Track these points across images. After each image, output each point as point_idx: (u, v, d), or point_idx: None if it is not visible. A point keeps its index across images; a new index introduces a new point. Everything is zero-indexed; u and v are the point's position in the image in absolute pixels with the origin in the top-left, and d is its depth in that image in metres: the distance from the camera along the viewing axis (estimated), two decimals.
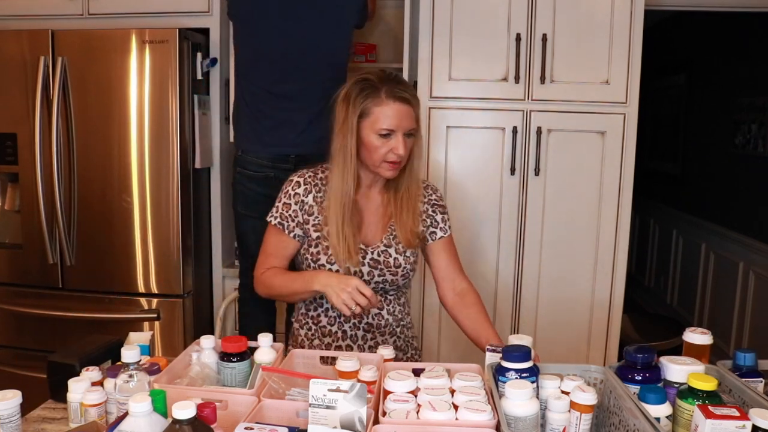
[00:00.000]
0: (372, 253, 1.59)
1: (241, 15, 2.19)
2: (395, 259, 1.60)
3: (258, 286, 1.65)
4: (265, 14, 2.12)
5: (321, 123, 2.14)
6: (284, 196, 1.62)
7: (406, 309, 1.73)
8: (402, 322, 1.69)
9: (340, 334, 1.62)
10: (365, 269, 1.58)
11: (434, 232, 1.66)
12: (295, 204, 1.60)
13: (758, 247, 3.28)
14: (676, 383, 1.11)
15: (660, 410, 1.04)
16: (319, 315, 1.64)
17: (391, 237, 1.61)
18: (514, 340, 1.30)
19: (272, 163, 2.15)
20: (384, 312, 1.63)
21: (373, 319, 1.62)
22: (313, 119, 2.14)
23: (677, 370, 1.12)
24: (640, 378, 1.12)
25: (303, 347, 1.64)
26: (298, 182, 1.62)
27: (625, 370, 1.15)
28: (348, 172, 1.53)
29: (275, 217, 1.61)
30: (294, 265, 1.69)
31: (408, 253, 1.61)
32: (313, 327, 1.65)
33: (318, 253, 1.58)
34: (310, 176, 1.62)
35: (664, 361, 1.15)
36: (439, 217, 1.67)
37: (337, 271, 1.54)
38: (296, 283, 1.56)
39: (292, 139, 2.14)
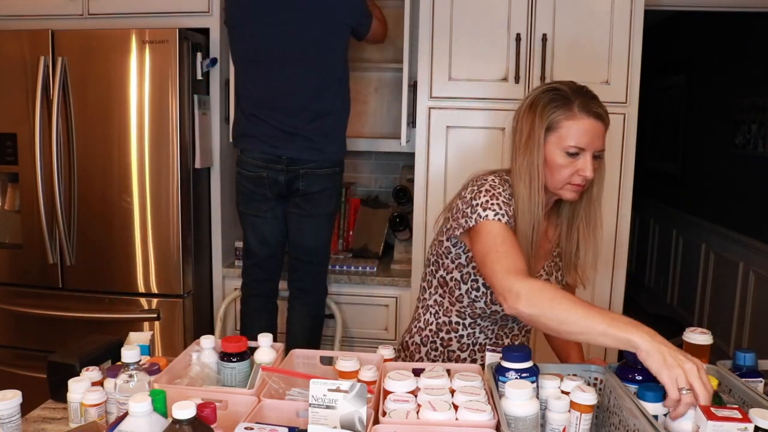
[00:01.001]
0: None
1: (235, 20, 2.19)
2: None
3: (530, 295, 1.18)
4: (257, 18, 2.13)
5: (315, 127, 2.15)
6: (497, 193, 1.36)
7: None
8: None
9: (469, 361, 1.50)
10: None
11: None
12: (510, 201, 1.37)
13: (758, 247, 3.28)
14: None
15: (658, 408, 1.04)
16: (450, 339, 1.52)
17: (553, 265, 1.49)
18: None
19: (265, 164, 2.17)
20: (526, 339, 1.53)
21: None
22: (307, 123, 2.15)
23: None
24: (640, 378, 1.12)
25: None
26: (496, 181, 1.39)
27: (625, 370, 1.15)
28: (536, 193, 1.35)
29: (500, 215, 1.33)
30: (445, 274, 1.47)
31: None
32: (440, 348, 1.53)
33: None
34: (499, 181, 1.39)
35: None
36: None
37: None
38: (598, 319, 1.11)
39: (284, 142, 2.15)
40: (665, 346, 1.05)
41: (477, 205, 1.35)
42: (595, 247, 1.46)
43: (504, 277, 1.24)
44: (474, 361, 1.50)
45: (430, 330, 1.54)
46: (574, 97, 1.33)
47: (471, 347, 1.51)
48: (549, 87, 1.38)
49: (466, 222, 1.36)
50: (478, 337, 1.52)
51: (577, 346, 1.53)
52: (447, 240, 1.45)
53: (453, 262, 1.46)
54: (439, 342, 1.53)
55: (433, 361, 1.53)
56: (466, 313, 1.49)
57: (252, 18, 2.13)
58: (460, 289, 1.46)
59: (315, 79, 2.15)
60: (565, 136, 1.33)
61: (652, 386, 1.07)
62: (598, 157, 1.36)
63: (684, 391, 1.00)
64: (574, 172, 1.34)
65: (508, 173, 1.43)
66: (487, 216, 1.33)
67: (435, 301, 1.54)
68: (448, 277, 1.48)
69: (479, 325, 1.50)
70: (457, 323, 1.50)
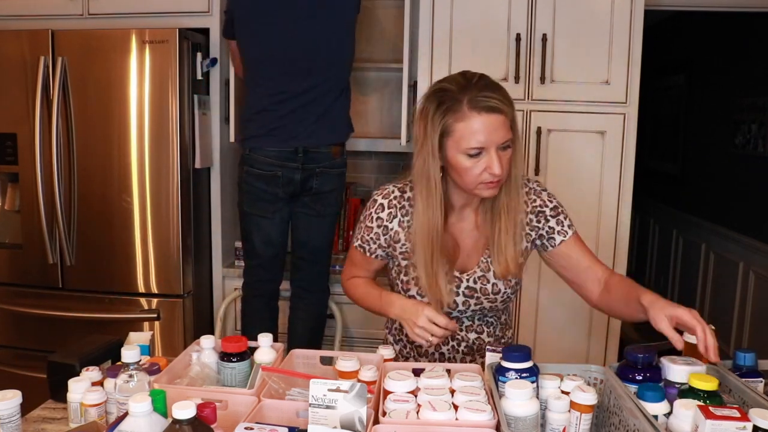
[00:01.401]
0: (467, 280, 1.45)
1: (242, 21, 2.20)
2: (493, 285, 1.45)
3: (345, 290, 1.62)
4: (265, 17, 2.13)
5: (328, 119, 2.17)
6: (366, 219, 1.49)
7: (508, 323, 1.62)
8: (503, 339, 1.58)
9: (437, 355, 1.53)
10: (459, 299, 1.45)
11: (552, 239, 1.46)
12: (378, 227, 1.47)
13: (758, 247, 3.28)
14: (677, 383, 1.11)
15: (658, 408, 1.04)
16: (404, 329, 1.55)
17: (489, 260, 1.45)
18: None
19: (280, 162, 2.16)
20: (484, 335, 1.53)
21: (473, 343, 1.52)
22: (321, 116, 2.16)
23: (678, 370, 1.11)
24: (640, 378, 1.12)
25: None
26: (381, 204, 1.47)
27: (625, 369, 1.15)
28: (433, 201, 1.35)
29: (356, 239, 1.52)
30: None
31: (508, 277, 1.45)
32: (408, 345, 1.56)
33: (408, 282, 1.46)
34: (395, 197, 1.46)
35: (665, 361, 1.15)
36: (552, 222, 1.46)
37: (429, 303, 1.39)
38: (374, 304, 1.50)
39: (300, 135, 2.16)
40: (409, 305, 1.38)
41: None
42: (516, 241, 1.42)
43: (343, 275, 1.63)
44: (442, 354, 1.53)
45: (396, 328, 1.60)
46: (463, 95, 1.28)
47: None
48: (437, 88, 1.33)
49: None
50: None
51: (633, 290, 1.33)
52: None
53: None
54: (405, 339, 1.56)
55: (405, 358, 1.56)
56: None
57: (263, 17, 2.14)
58: (395, 283, 1.56)
59: (328, 74, 2.17)
60: (460, 139, 1.29)
61: (652, 386, 1.07)
62: (507, 147, 1.31)
63: (429, 339, 1.34)
64: (482, 170, 1.30)
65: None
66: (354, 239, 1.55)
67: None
68: (390, 273, 1.59)
69: None
70: None
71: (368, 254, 1.51)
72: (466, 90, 1.28)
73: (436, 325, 1.32)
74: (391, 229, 1.46)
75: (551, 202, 1.48)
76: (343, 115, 2.26)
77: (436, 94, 1.32)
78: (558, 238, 1.46)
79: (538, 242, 1.49)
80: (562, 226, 1.46)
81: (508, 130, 1.29)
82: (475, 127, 1.27)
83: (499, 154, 1.29)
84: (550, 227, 1.46)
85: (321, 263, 2.34)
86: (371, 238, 1.49)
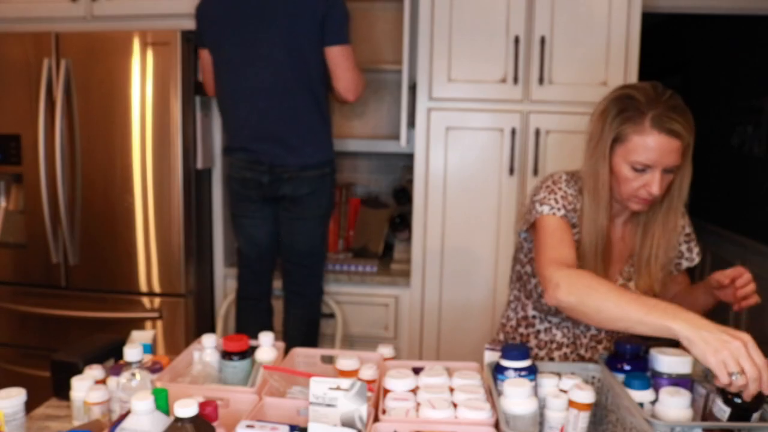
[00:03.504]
0: None
1: (206, 39, 2.22)
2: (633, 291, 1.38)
3: (568, 283, 1.18)
4: (225, 35, 2.14)
5: (291, 128, 2.15)
6: (557, 185, 1.38)
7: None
8: None
9: (547, 360, 1.45)
10: None
11: (679, 263, 1.47)
12: (572, 197, 1.37)
13: (756, 248, 3.29)
14: (665, 374, 1.14)
15: (644, 396, 1.09)
16: (528, 335, 1.49)
17: (631, 271, 1.42)
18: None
19: (248, 165, 2.19)
20: None
21: (586, 350, 1.43)
22: (282, 125, 2.14)
23: (667, 361, 1.14)
24: (628, 368, 1.17)
25: None
26: (567, 180, 1.39)
27: (613, 360, 1.20)
28: (600, 203, 1.32)
29: (555, 208, 1.34)
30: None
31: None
32: None
33: None
34: (572, 178, 1.40)
35: (654, 352, 1.17)
36: (684, 248, 1.46)
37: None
38: (635, 306, 1.08)
39: (262, 146, 2.16)
40: (707, 330, 0.99)
41: (536, 201, 1.38)
42: (665, 265, 1.40)
43: (546, 267, 1.25)
44: (552, 359, 1.45)
45: (511, 326, 1.54)
46: (648, 109, 1.24)
47: (548, 345, 1.47)
48: (624, 94, 1.30)
49: (529, 217, 1.40)
50: (555, 335, 1.48)
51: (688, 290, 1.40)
52: (519, 235, 1.49)
53: (525, 257, 1.48)
54: (518, 339, 1.51)
55: None
56: (538, 307, 1.48)
57: (223, 35, 2.15)
58: (530, 282, 1.47)
59: (286, 81, 2.11)
60: (632, 151, 1.26)
61: (638, 375, 1.12)
62: (671, 171, 1.29)
63: (734, 377, 0.95)
64: (641, 186, 1.28)
65: None
66: (543, 211, 1.35)
67: (514, 296, 1.55)
68: (522, 271, 1.49)
69: (551, 321, 1.48)
70: (534, 317, 1.49)
71: (572, 225, 1.36)
72: (654, 105, 1.25)
73: (752, 360, 0.96)
74: (576, 208, 1.37)
75: (689, 227, 1.48)
76: (315, 133, 2.19)
77: (621, 99, 1.30)
78: (684, 264, 1.48)
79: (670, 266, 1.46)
80: (692, 253, 1.48)
81: (679, 156, 1.27)
82: (650, 145, 1.24)
83: (662, 176, 1.27)
84: (680, 252, 1.47)
85: (309, 267, 2.31)
86: (573, 208, 1.36)
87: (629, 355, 1.18)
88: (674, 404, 1.04)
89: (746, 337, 0.97)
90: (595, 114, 1.34)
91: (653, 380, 1.13)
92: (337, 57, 2.12)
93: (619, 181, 1.31)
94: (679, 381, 1.12)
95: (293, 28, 2.08)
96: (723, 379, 0.96)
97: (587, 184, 1.34)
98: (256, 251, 2.29)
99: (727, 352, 0.95)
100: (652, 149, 1.24)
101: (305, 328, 2.34)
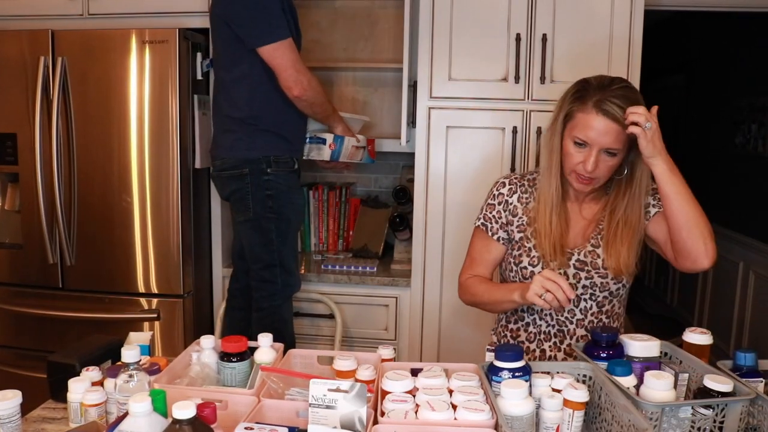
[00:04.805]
0: (578, 254, 1.52)
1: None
2: (603, 260, 1.50)
3: (461, 292, 1.64)
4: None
5: (217, 122, 2.22)
6: (489, 198, 1.63)
7: (619, 321, 1.60)
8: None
9: (538, 353, 1.56)
10: (571, 271, 1.51)
11: (647, 213, 1.53)
12: (499, 204, 1.60)
13: (758, 247, 3.28)
14: (637, 358, 1.26)
15: (627, 381, 1.15)
16: (518, 329, 1.60)
17: (599, 237, 1.53)
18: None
19: (216, 171, 2.22)
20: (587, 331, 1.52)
21: (578, 340, 1.52)
22: (225, 131, 2.16)
23: (637, 346, 1.26)
24: (605, 355, 1.26)
25: None
26: (502, 182, 1.62)
27: (591, 348, 1.28)
28: (552, 172, 1.49)
29: (479, 219, 1.63)
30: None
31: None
32: (511, 341, 1.60)
33: (520, 255, 1.55)
34: (516, 178, 1.62)
35: (624, 338, 1.29)
36: (650, 199, 1.54)
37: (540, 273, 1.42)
38: (499, 291, 1.52)
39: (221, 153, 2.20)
40: (531, 288, 1.34)
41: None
42: (630, 247, 1.49)
43: (460, 275, 1.66)
44: (543, 351, 1.56)
45: (501, 325, 1.65)
46: (594, 93, 1.40)
47: (537, 336, 1.57)
48: (583, 80, 1.47)
49: None
50: (540, 325, 1.57)
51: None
52: None
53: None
54: (509, 335, 1.61)
55: None
56: None
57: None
58: (506, 275, 1.64)
59: (220, 77, 2.17)
60: (575, 126, 1.42)
61: (620, 362, 1.19)
62: (612, 155, 1.42)
63: (543, 295, 1.32)
64: (579, 162, 1.43)
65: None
66: (475, 222, 1.65)
67: None
68: (501, 266, 1.67)
69: (534, 310, 1.57)
70: (522, 311, 1.58)
71: (490, 234, 1.60)
72: (601, 91, 1.40)
73: (555, 282, 1.32)
74: (511, 203, 1.59)
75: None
76: (240, 129, 2.10)
77: (579, 83, 1.46)
78: (653, 210, 1.54)
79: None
80: (656, 198, 1.54)
81: (617, 141, 1.40)
82: (589, 123, 1.39)
83: (599, 156, 1.41)
84: (648, 203, 1.54)
85: (256, 272, 2.12)
86: (493, 216, 1.60)
87: (605, 343, 1.28)
88: (659, 386, 1.10)
89: (547, 271, 1.35)
90: (560, 98, 1.51)
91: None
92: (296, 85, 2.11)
93: (564, 156, 1.47)
94: (650, 364, 1.24)
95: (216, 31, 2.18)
96: (538, 302, 1.33)
97: (543, 157, 1.52)
98: (235, 251, 2.31)
99: (537, 286, 1.33)
100: (590, 127, 1.39)
101: (270, 331, 2.24)
